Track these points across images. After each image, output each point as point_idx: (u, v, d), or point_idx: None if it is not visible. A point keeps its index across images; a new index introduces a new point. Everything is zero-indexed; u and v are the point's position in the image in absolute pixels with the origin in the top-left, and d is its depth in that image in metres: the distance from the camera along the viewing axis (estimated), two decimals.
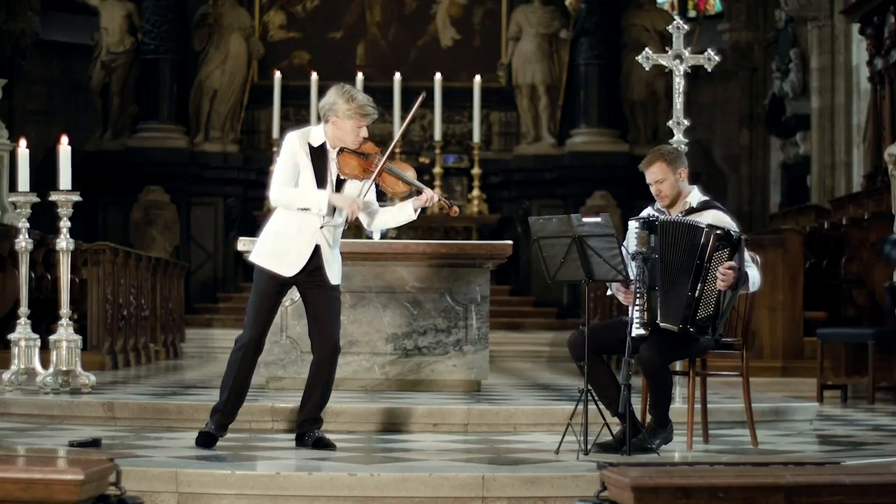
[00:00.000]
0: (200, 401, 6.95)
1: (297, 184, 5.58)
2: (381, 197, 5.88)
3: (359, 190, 5.60)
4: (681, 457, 5.58)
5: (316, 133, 5.63)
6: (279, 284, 5.64)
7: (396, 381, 7.91)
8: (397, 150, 16.37)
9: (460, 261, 7.95)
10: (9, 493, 3.44)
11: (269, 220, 5.71)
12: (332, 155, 5.61)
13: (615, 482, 3.64)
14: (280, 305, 5.84)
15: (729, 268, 5.44)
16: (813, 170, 15.51)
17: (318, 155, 5.59)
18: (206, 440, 5.64)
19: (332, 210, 5.58)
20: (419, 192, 5.66)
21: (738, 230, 5.59)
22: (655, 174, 5.70)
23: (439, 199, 5.65)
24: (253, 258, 5.71)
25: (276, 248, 5.60)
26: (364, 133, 5.59)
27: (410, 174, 5.71)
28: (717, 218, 5.63)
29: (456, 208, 5.77)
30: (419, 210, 5.68)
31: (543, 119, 17.10)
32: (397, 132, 6.04)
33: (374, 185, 5.65)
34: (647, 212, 5.77)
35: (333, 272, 5.64)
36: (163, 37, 16.74)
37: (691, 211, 5.69)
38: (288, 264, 5.58)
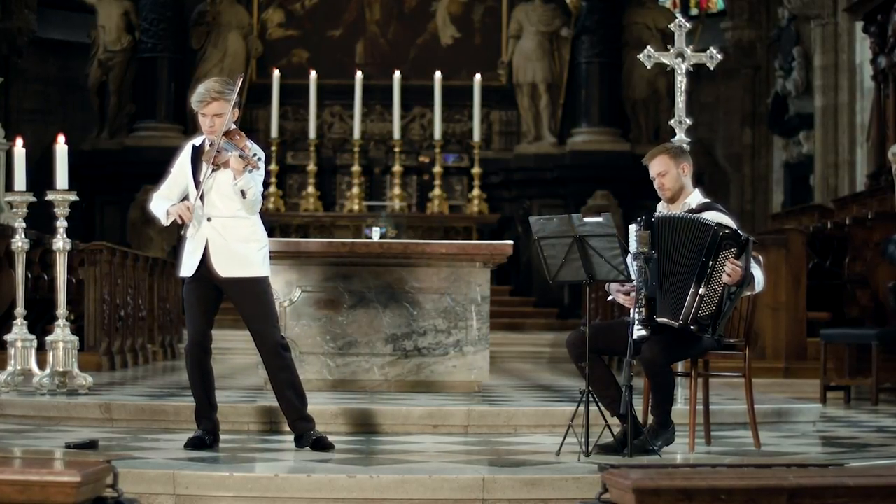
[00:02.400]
0: None
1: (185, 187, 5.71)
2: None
3: (231, 182, 5.59)
4: (683, 458, 5.55)
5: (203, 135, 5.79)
6: (194, 288, 5.67)
7: (396, 383, 7.88)
8: (396, 149, 16.37)
9: (460, 261, 7.91)
10: (5, 495, 3.43)
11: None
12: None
13: (616, 484, 3.62)
14: (213, 307, 5.76)
15: (736, 264, 5.41)
16: (816, 169, 15.47)
17: (197, 152, 5.71)
18: (195, 443, 5.63)
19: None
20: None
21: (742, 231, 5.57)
22: (658, 167, 5.70)
23: (242, 159, 5.55)
24: None
25: (182, 253, 5.74)
26: (207, 122, 5.62)
27: (237, 144, 5.62)
28: (718, 218, 5.60)
29: (255, 160, 5.59)
30: (239, 175, 5.55)
31: (544, 118, 17.06)
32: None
33: (216, 168, 5.63)
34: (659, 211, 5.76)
35: (221, 264, 5.61)
36: (160, 35, 16.70)
37: (690, 212, 5.65)
38: (187, 265, 5.68)
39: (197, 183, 5.64)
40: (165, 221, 5.69)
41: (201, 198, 5.63)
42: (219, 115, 5.60)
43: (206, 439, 5.63)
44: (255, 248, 5.69)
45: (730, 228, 5.47)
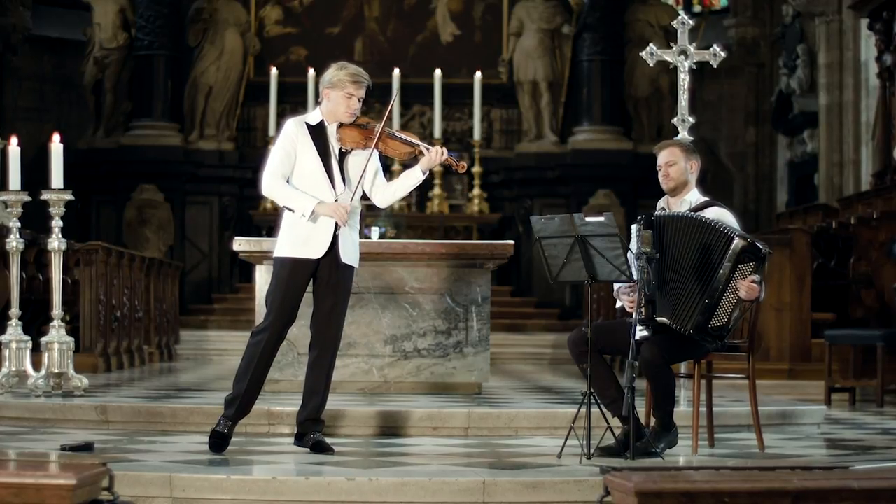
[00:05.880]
0: (195, 404, 6.94)
1: (296, 167, 5.56)
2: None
3: (365, 160, 5.56)
4: (685, 461, 5.53)
5: (313, 114, 5.68)
6: (305, 272, 5.55)
7: (395, 384, 7.83)
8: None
9: (460, 261, 7.86)
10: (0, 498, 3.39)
11: (285, 212, 5.66)
12: (332, 130, 5.61)
13: (618, 487, 3.65)
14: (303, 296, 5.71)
15: (754, 280, 5.40)
16: (820, 168, 15.43)
17: (317, 133, 5.59)
18: (218, 443, 5.53)
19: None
20: (422, 154, 5.62)
21: (740, 229, 5.55)
22: (667, 157, 5.71)
23: (447, 156, 5.59)
24: (277, 253, 5.63)
25: (297, 236, 5.55)
26: (356, 104, 5.57)
27: (415, 138, 5.69)
28: (720, 215, 5.59)
29: (464, 163, 5.73)
30: (427, 172, 5.63)
31: (545, 116, 17.00)
32: (394, 97, 6.12)
33: (377, 154, 5.62)
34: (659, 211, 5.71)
35: (347, 252, 5.56)
36: (157, 32, 16.65)
37: (692, 211, 5.63)
38: (313, 247, 5.52)
39: (328, 164, 5.53)
40: (307, 216, 5.45)
41: (331, 180, 5.52)
42: (361, 100, 5.56)
43: (229, 436, 5.53)
44: (358, 238, 5.68)
45: (748, 240, 5.42)
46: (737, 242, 5.38)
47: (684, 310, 5.42)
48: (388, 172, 6.01)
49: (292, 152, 5.55)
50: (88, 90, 16.89)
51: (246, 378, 5.55)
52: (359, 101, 5.56)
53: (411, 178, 5.63)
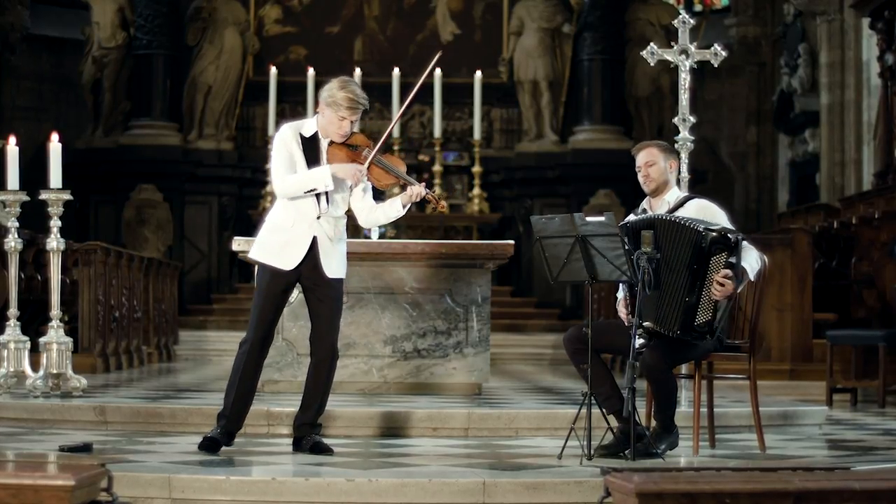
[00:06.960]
0: (194, 404, 6.93)
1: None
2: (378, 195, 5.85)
3: (348, 183, 5.59)
4: (686, 462, 5.53)
5: (309, 124, 5.67)
6: (282, 281, 5.58)
7: (395, 385, 7.81)
8: (396, 147, 16.26)
9: (460, 261, 7.85)
10: None
11: (267, 216, 5.70)
12: (324, 145, 5.62)
13: (619, 488, 3.65)
14: (286, 304, 5.77)
15: (726, 276, 5.36)
16: (822, 168, 15.42)
17: (310, 145, 5.59)
18: (209, 444, 5.54)
19: (329, 193, 5.54)
20: (405, 187, 5.66)
21: (727, 219, 5.56)
22: (646, 157, 5.72)
23: (427, 193, 5.61)
24: (252, 255, 5.70)
25: (273, 242, 5.58)
26: (347, 127, 5.56)
27: (401, 168, 5.69)
28: (702, 207, 5.61)
29: (444, 203, 5.79)
30: (408, 206, 5.66)
31: (546, 116, 16.99)
32: (396, 114, 6.15)
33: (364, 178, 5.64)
34: (630, 217, 5.69)
35: (331, 266, 5.56)
36: (156, 31, 16.64)
37: (671, 210, 5.64)
38: (286, 257, 5.54)
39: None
40: (331, 185, 5.48)
41: (317, 196, 5.52)
42: (356, 123, 5.56)
43: (221, 441, 5.54)
44: (344, 249, 5.69)
45: (717, 231, 5.39)
46: (704, 234, 5.37)
47: (667, 312, 5.42)
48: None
49: (291, 157, 5.56)
50: (87, 89, 16.88)
51: (233, 391, 5.59)
52: (352, 123, 5.55)
53: (392, 211, 5.67)
